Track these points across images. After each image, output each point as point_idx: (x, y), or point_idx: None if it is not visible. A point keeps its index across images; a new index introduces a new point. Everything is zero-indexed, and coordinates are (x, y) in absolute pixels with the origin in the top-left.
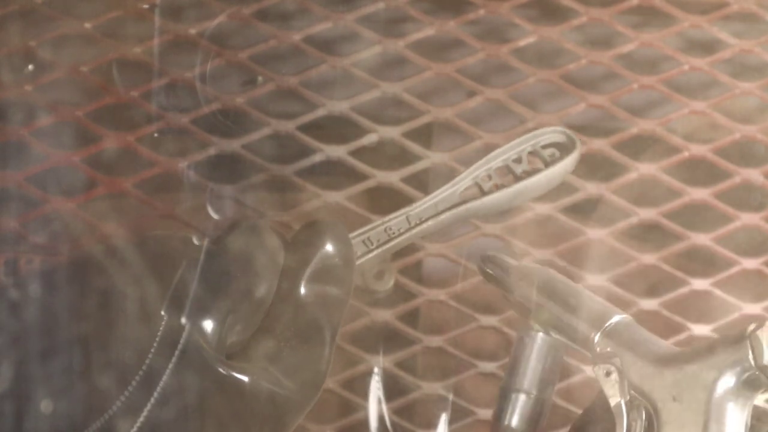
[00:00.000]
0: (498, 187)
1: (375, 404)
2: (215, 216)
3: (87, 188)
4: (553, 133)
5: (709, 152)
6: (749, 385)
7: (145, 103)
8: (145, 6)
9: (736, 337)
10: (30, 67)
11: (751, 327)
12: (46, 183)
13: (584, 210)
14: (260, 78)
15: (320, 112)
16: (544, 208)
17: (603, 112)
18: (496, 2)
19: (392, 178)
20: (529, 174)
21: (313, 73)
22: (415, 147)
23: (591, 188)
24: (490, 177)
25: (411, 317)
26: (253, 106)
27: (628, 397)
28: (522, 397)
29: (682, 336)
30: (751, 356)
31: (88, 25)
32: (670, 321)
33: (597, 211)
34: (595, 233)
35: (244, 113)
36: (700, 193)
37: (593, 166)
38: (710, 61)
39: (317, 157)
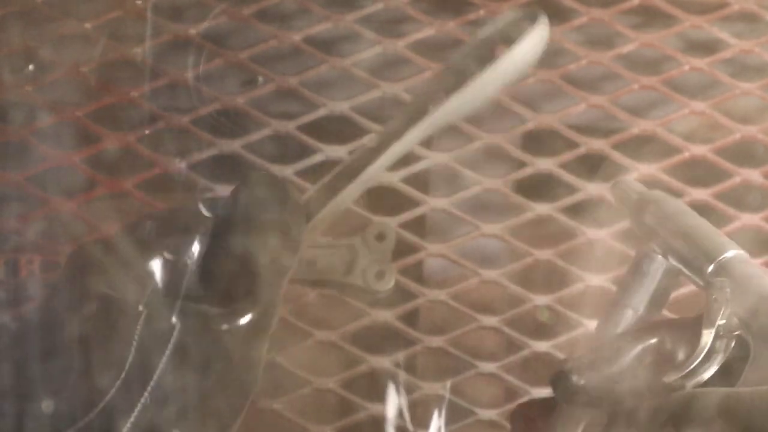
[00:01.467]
0: None
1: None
2: (207, 215)
3: (87, 188)
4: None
5: (709, 152)
6: None
7: (146, 103)
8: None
9: None
10: (30, 67)
11: None
12: (47, 183)
13: (584, 210)
14: (260, 78)
15: (320, 112)
16: (544, 209)
17: (603, 113)
18: (496, 2)
19: (392, 178)
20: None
21: (313, 74)
22: (414, 147)
23: (591, 188)
24: None
25: (411, 317)
26: (253, 106)
27: (727, 328)
28: (629, 313)
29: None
30: None
31: (88, 25)
32: None
33: (597, 212)
34: (595, 233)
35: (244, 113)
36: (700, 194)
37: (593, 167)
38: (710, 62)
39: (317, 157)
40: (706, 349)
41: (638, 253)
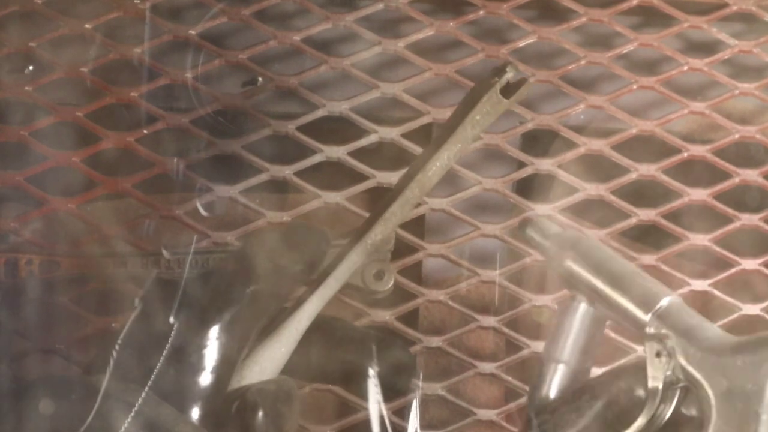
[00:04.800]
0: None
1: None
2: (205, 214)
3: (87, 188)
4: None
5: (708, 153)
6: None
7: (146, 103)
8: (145, 6)
9: None
10: (30, 67)
11: None
12: (46, 183)
13: (584, 210)
14: (260, 78)
15: (320, 113)
16: (543, 209)
17: (602, 113)
18: (495, 2)
19: (392, 178)
20: None
21: (312, 74)
22: (415, 147)
23: (590, 189)
24: None
25: (411, 317)
26: (252, 107)
27: (679, 383)
28: (561, 368)
29: None
30: None
31: (88, 26)
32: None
33: (596, 212)
34: (594, 234)
35: (243, 113)
36: (698, 194)
37: (593, 167)
38: (709, 62)
39: (317, 158)
40: (656, 405)
41: (562, 305)
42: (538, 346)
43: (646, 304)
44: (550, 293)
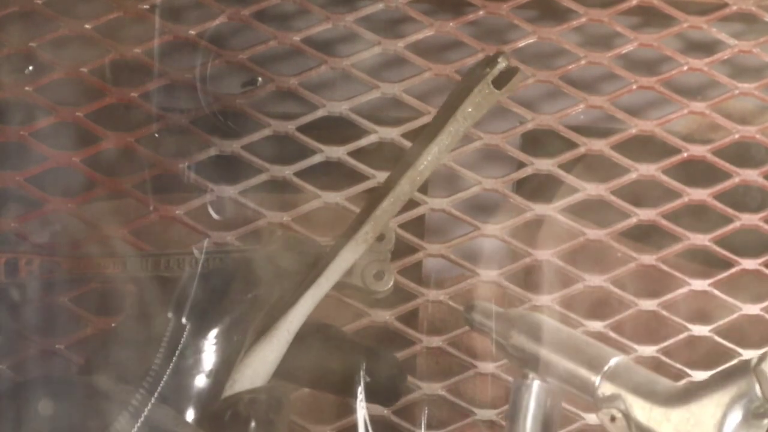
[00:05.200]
0: None
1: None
2: (216, 217)
3: (87, 188)
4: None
5: (708, 153)
6: (758, 416)
7: (146, 104)
8: (146, 6)
9: (740, 371)
10: (30, 67)
11: (755, 360)
12: (46, 183)
13: (584, 210)
14: (260, 79)
15: (320, 113)
16: (543, 209)
17: (602, 113)
18: (495, 3)
19: None
20: None
21: (312, 74)
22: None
23: (590, 189)
24: None
25: (411, 317)
26: (253, 107)
27: None
28: None
29: (681, 336)
30: (758, 389)
31: (88, 26)
32: (669, 321)
33: (596, 212)
34: (595, 234)
35: (244, 114)
36: (698, 194)
37: (593, 167)
38: (709, 62)
39: (317, 158)
40: None
41: (514, 384)
42: None
43: (594, 367)
44: (550, 293)
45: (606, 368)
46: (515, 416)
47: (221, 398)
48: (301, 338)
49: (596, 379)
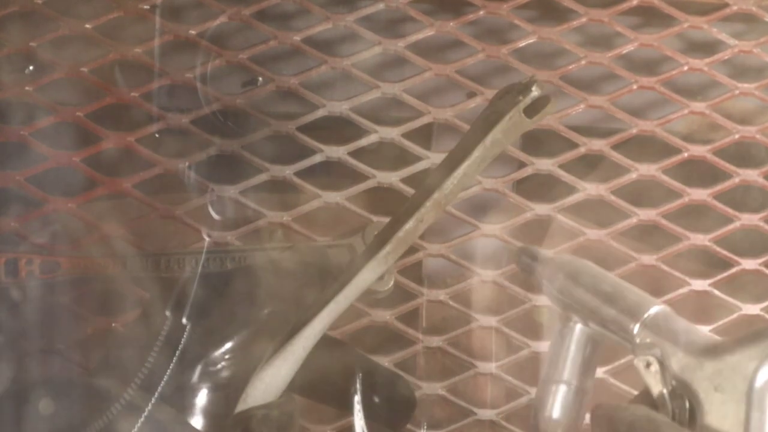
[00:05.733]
0: None
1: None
2: (216, 217)
3: (87, 188)
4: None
5: (708, 153)
6: None
7: (146, 104)
8: (146, 6)
9: None
10: (30, 67)
11: None
12: (47, 183)
13: (584, 210)
14: (260, 78)
15: (320, 113)
16: (543, 209)
17: (603, 113)
18: (496, 3)
19: (392, 178)
20: None
21: (313, 74)
22: (415, 147)
23: (591, 189)
24: None
25: (411, 317)
26: (253, 107)
27: (670, 388)
28: (563, 388)
29: None
30: None
31: (88, 26)
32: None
33: (596, 212)
34: (595, 234)
35: (244, 114)
36: (699, 194)
37: (593, 167)
38: (709, 62)
39: (317, 158)
40: (670, 410)
41: (558, 326)
42: (539, 345)
43: (634, 314)
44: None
45: (645, 316)
46: (555, 359)
47: (233, 413)
48: (313, 353)
49: (635, 326)
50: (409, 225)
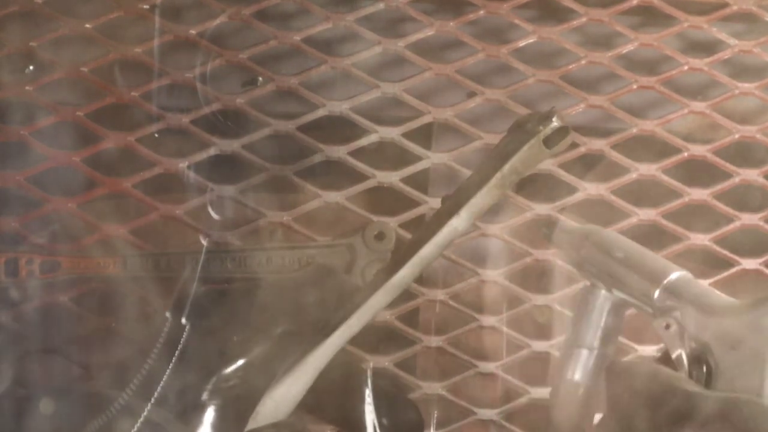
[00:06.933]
0: None
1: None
2: (216, 217)
3: (87, 188)
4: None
5: (708, 153)
6: None
7: (146, 104)
8: (146, 6)
9: None
10: (30, 67)
11: None
12: (47, 183)
13: (583, 210)
14: (260, 78)
15: (320, 113)
16: (543, 209)
17: (603, 113)
18: (496, 3)
19: (392, 178)
20: None
21: (313, 74)
22: (415, 147)
23: (591, 188)
24: None
25: (411, 317)
26: (253, 106)
27: (688, 350)
28: (584, 352)
29: None
30: None
31: (88, 26)
32: None
33: (596, 212)
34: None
35: (244, 113)
36: (699, 194)
37: (593, 167)
38: (709, 62)
39: (317, 158)
40: (687, 371)
41: (583, 291)
42: (539, 345)
43: (654, 280)
44: (550, 293)
45: (666, 281)
46: (579, 324)
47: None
48: (323, 374)
49: (656, 291)
50: (425, 251)
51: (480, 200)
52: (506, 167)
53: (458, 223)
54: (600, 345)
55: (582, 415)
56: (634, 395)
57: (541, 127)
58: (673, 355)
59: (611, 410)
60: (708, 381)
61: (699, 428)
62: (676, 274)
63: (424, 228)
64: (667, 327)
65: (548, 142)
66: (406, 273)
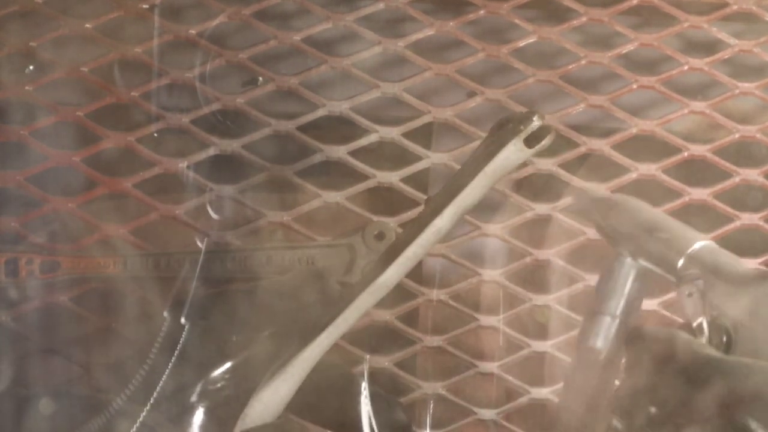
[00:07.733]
0: None
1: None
2: (215, 216)
3: (87, 188)
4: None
5: (708, 152)
6: None
7: (146, 104)
8: (146, 6)
9: None
10: (30, 67)
11: None
12: (47, 183)
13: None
14: (260, 78)
15: (320, 112)
16: (543, 209)
17: (603, 112)
18: (496, 3)
19: (392, 178)
20: None
21: (313, 74)
22: (415, 147)
23: (591, 188)
24: None
25: (411, 317)
26: (253, 106)
27: (709, 318)
28: (607, 320)
29: None
30: None
31: (88, 25)
32: (670, 321)
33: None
34: (595, 233)
35: (244, 113)
36: (699, 194)
37: (593, 167)
38: (709, 62)
39: (317, 157)
40: (707, 338)
41: (608, 259)
42: (539, 345)
43: (679, 249)
44: (551, 293)
45: (690, 250)
46: (603, 291)
47: None
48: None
49: (680, 260)
50: (409, 251)
51: (462, 201)
52: (488, 167)
53: (441, 223)
54: (623, 313)
55: (602, 380)
56: (654, 361)
57: (522, 127)
58: (694, 324)
59: (630, 376)
60: (727, 349)
61: (718, 393)
62: (700, 244)
63: (409, 229)
64: (690, 295)
65: (530, 141)
66: (391, 274)
